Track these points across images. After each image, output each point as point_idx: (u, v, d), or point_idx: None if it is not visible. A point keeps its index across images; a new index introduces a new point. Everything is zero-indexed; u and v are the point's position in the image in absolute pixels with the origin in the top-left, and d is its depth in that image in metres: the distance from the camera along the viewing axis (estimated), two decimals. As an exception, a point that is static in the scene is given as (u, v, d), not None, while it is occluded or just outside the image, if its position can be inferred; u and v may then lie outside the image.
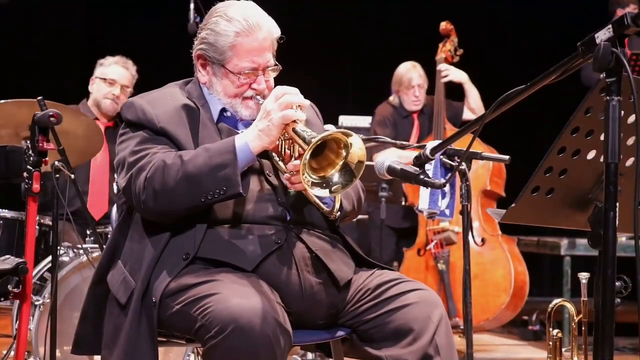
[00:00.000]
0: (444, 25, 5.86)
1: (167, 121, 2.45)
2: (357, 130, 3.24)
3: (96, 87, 4.68)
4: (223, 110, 2.55)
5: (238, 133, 2.49)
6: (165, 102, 2.51)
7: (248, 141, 2.35)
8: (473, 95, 5.86)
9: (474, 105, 5.85)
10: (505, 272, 5.35)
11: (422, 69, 5.93)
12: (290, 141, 2.38)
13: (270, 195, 2.46)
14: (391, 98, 5.99)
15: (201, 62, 2.55)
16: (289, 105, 2.33)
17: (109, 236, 4.01)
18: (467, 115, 5.88)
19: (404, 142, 2.87)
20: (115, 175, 3.60)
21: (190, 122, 2.48)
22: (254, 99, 2.50)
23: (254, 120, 2.43)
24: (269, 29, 2.50)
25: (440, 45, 5.87)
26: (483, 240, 5.41)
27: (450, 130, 5.66)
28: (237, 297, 2.20)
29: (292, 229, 2.43)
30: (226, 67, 2.50)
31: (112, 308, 2.42)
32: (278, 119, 2.32)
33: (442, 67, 5.79)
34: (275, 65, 2.53)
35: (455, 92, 5.93)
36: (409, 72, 5.90)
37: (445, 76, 5.78)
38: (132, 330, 2.31)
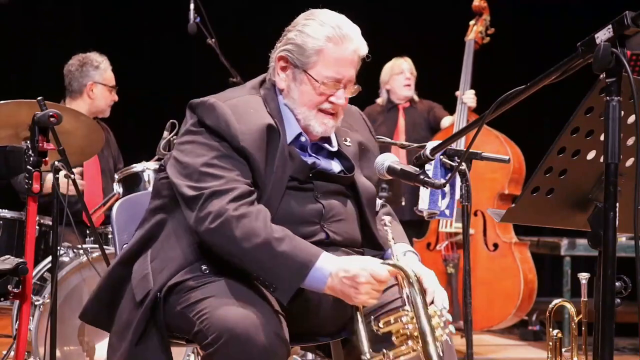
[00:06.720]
0: (477, 1, 5.56)
1: (249, 143, 2.33)
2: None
3: (99, 95, 4.53)
4: (299, 134, 2.45)
5: (306, 159, 2.43)
6: (249, 117, 2.37)
7: (327, 279, 2.23)
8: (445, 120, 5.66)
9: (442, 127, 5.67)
10: (514, 282, 5.28)
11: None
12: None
13: (313, 217, 2.40)
14: (378, 100, 5.87)
15: (282, 64, 2.44)
16: (373, 298, 2.27)
17: (109, 236, 4.03)
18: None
19: (404, 143, 2.86)
20: (160, 168, 3.52)
21: (269, 146, 2.37)
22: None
23: (325, 138, 2.44)
24: (359, 44, 2.42)
25: (471, 24, 5.57)
26: (495, 245, 5.31)
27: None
28: (234, 304, 2.19)
29: (329, 249, 2.33)
30: (308, 73, 2.40)
31: (129, 297, 2.38)
32: (355, 299, 2.25)
33: (468, 95, 5.46)
34: (356, 85, 2.45)
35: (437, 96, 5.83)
36: (398, 60, 5.77)
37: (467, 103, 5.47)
38: (140, 331, 2.30)
